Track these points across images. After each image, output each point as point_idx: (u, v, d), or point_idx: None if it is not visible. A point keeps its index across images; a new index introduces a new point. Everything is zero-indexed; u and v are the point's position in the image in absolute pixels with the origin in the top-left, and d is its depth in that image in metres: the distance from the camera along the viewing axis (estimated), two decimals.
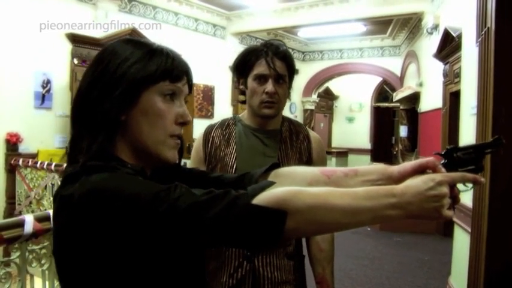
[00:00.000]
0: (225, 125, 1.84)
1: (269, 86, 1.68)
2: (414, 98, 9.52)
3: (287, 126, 1.83)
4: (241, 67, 1.75)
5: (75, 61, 6.88)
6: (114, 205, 0.81)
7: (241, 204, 0.82)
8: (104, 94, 0.94)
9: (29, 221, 2.11)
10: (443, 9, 6.92)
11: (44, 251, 2.28)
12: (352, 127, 14.31)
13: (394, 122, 13.63)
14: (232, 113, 10.10)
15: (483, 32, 3.23)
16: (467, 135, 3.73)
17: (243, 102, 1.82)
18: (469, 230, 3.49)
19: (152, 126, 0.97)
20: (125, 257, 0.86)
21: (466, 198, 3.58)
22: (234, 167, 1.71)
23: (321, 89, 13.22)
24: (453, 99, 6.35)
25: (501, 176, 3.06)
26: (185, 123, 1.02)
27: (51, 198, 5.51)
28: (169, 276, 0.94)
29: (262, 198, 0.83)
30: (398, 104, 11.80)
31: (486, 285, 3.16)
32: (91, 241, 0.84)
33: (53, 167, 5.43)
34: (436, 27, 7.21)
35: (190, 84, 1.06)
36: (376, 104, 14.10)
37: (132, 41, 1.03)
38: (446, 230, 6.48)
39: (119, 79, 0.94)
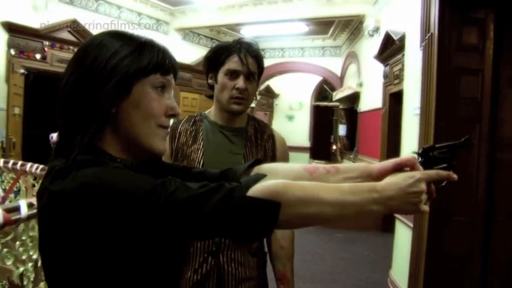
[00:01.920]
0: (191, 121, 1.84)
1: (240, 82, 1.70)
2: (354, 97, 9.78)
3: (252, 125, 1.86)
4: (213, 61, 1.76)
5: (12, 52, 6.60)
6: (109, 199, 0.81)
7: (237, 197, 0.84)
8: (94, 87, 0.93)
9: None
10: (384, 13, 7.16)
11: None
12: (292, 125, 14.50)
13: (333, 121, 13.95)
14: None
15: (427, 37, 3.39)
16: (410, 135, 3.89)
17: (210, 97, 1.83)
18: (411, 225, 3.65)
19: (144, 119, 0.97)
20: (116, 252, 0.85)
21: None
22: (201, 163, 1.71)
23: (262, 87, 13.32)
24: (392, 100, 6.59)
25: None
26: (174, 115, 1.03)
27: None
28: (151, 272, 0.94)
29: (255, 190, 0.85)
30: (337, 104, 12.10)
31: (426, 278, 3.33)
32: (84, 236, 0.83)
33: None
34: (377, 29, 7.45)
35: (176, 77, 1.07)
36: (316, 103, 14.37)
37: (119, 33, 1.02)
38: (385, 226, 6.73)
39: (110, 72, 0.93)
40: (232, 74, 1.71)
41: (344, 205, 0.90)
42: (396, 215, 4.25)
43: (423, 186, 0.95)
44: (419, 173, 0.97)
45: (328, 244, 6.37)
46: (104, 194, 0.81)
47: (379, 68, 7.04)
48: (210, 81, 1.80)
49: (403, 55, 5.44)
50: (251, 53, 1.72)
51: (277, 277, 1.85)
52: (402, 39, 5.25)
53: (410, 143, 3.88)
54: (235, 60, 1.70)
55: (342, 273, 5.07)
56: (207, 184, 0.87)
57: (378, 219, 6.92)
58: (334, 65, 11.85)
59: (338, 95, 10.97)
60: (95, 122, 0.93)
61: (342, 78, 11.53)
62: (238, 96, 1.72)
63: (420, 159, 1.06)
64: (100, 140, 0.96)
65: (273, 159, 1.82)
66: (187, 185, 0.86)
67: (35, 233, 2.67)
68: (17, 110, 6.53)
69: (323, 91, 14.47)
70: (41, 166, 4.45)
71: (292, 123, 14.50)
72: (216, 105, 1.81)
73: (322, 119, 14.32)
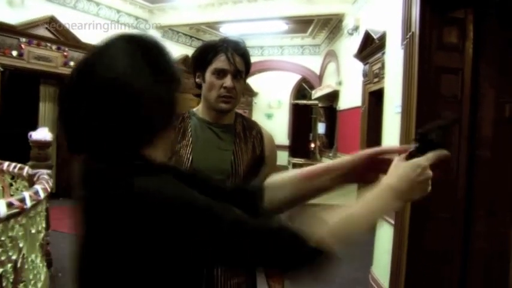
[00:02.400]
0: (179, 118, 1.83)
1: (228, 81, 1.70)
2: (333, 96, 9.86)
3: (240, 122, 1.86)
4: (200, 60, 1.75)
5: None
6: (185, 215, 0.83)
7: (305, 249, 0.89)
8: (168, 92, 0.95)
9: None
10: (364, 12, 7.23)
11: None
12: (271, 123, 14.50)
13: (312, 119, 14.03)
14: None
15: (408, 36, 3.43)
16: (391, 133, 3.94)
17: (198, 95, 1.83)
18: (392, 222, 3.69)
19: None
20: (164, 261, 0.86)
21: None
22: (190, 159, 1.71)
23: None
24: (372, 98, 6.66)
25: None
26: None
27: None
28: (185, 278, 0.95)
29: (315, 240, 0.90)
30: (316, 102, 12.18)
31: (408, 274, 3.37)
32: (139, 245, 0.83)
33: None
34: (356, 28, 7.52)
35: None
36: (295, 102, 14.43)
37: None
38: None
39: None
40: (220, 73, 1.71)
41: (374, 215, 1.00)
42: None
43: (430, 172, 1.02)
44: (424, 160, 1.02)
45: None
46: (180, 209, 0.83)
47: (359, 66, 7.10)
48: (197, 80, 1.79)
49: (383, 54, 5.49)
50: (238, 52, 1.72)
51: (266, 273, 1.85)
52: (382, 38, 5.31)
53: (391, 141, 3.92)
54: (223, 59, 1.70)
55: None
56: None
57: None
58: (313, 63, 11.92)
59: (317, 93, 11.03)
60: (155, 129, 0.93)
61: (321, 77, 11.60)
62: (226, 95, 1.72)
63: (416, 144, 1.08)
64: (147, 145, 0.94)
65: (262, 155, 1.82)
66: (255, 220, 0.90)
67: (13, 233, 2.63)
68: None
69: (302, 89, 14.54)
70: (19, 165, 4.38)
71: (271, 121, 14.51)
72: (204, 104, 1.81)
73: (301, 117, 14.38)
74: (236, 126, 1.84)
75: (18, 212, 2.56)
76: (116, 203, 0.84)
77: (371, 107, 6.72)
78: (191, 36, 11.29)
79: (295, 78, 13.74)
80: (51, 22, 7.37)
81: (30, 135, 4.73)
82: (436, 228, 3.33)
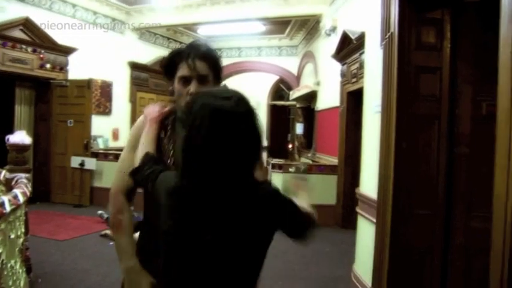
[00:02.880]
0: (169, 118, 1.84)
1: (192, 88, 1.69)
2: (311, 96, 9.92)
3: None
4: (168, 69, 1.77)
5: None
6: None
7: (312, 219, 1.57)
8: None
9: None
10: (341, 13, 7.30)
11: None
12: None
13: (290, 120, 14.09)
14: (130, 110, 9.87)
15: (387, 36, 3.48)
16: (372, 132, 3.98)
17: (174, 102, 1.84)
18: (374, 220, 3.74)
19: None
20: None
21: (371, 191, 3.84)
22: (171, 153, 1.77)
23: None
24: (350, 98, 6.72)
25: (403, 171, 3.33)
26: None
27: None
28: None
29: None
30: (294, 103, 12.23)
31: (390, 271, 3.41)
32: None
33: None
34: (334, 29, 7.58)
35: None
36: (273, 102, 14.47)
37: None
38: (344, 222, 6.87)
39: None
40: (185, 80, 1.71)
41: None
42: (359, 210, 4.34)
43: None
44: None
45: (288, 242, 6.40)
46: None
47: (336, 67, 7.17)
48: (170, 88, 1.80)
49: (361, 54, 5.58)
50: (199, 56, 1.71)
51: None
52: (360, 38, 5.37)
53: (371, 140, 3.97)
54: (185, 66, 1.70)
55: (305, 269, 5.14)
56: None
57: (337, 215, 7.05)
58: (290, 64, 11.98)
59: (295, 94, 11.08)
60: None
61: (298, 78, 11.67)
62: None
63: None
64: None
65: None
66: None
67: None
68: None
69: (279, 90, 14.57)
70: (3, 172, 4.29)
71: None
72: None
73: (279, 118, 14.43)
74: None
75: None
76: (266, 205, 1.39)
77: (349, 106, 6.79)
78: (168, 38, 11.24)
79: (273, 79, 13.77)
80: (26, 24, 7.26)
81: (8, 139, 4.65)
82: (417, 225, 3.38)
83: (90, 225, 6.71)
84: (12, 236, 3.03)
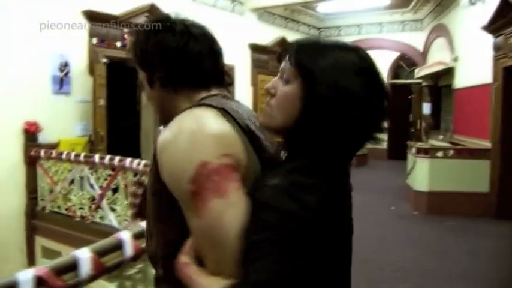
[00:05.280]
0: None
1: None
2: (442, 74, 9.09)
3: None
4: None
5: (94, 41, 6.37)
6: None
7: None
8: None
9: (127, 241, 1.66)
10: None
11: (139, 275, 1.81)
12: None
13: (412, 100, 13.21)
14: (252, 94, 9.60)
15: None
16: None
17: None
18: None
19: None
20: None
21: None
22: None
23: None
24: (507, 74, 5.91)
25: None
26: None
27: (80, 193, 5.05)
28: None
29: None
30: (418, 81, 11.38)
31: None
32: None
33: (81, 158, 4.94)
34: None
35: None
36: (393, 81, 13.60)
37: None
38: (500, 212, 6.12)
39: None
40: None
41: None
42: None
43: None
44: None
45: (445, 235, 5.73)
46: None
47: (486, 40, 6.34)
48: None
49: None
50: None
51: None
52: None
53: None
54: None
55: (473, 269, 4.50)
56: None
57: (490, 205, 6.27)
58: (415, 40, 11.07)
59: (422, 71, 10.25)
60: None
61: (425, 54, 10.76)
62: None
63: None
64: None
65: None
66: None
67: None
68: (101, 102, 6.28)
69: (397, 68, 13.67)
70: (144, 161, 4.12)
71: None
72: None
73: (399, 97, 13.53)
74: None
75: None
76: None
77: (507, 83, 5.96)
78: (286, 18, 10.81)
79: (393, 56, 12.93)
80: (152, 10, 7.14)
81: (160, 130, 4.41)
82: None
83: None
84: None
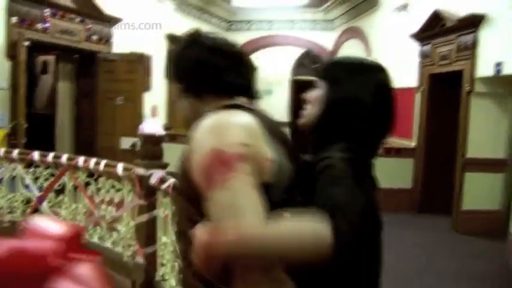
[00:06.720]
0: None
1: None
2: None
3: None
4: None
5: (13, 20, 5.73)
6: None
7: None
8: None
9: None
10: None
11: None
12: (271, 100, 14.01)
13: None
14: (168, 87, 9.28)
15: None
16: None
17: None
18: None
19: None
20: None
21: None
22: None
23: None
24: (433, 80, 6.43)
25: None
26: None
27: (10, 196, 4.50)
28: None
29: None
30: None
31: None
32: None
33: (15, 154, 4.39)
34: (405, 6, 7.12)
35: None
36: (296, 78, 13.92)
37: None
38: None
39: None
40: None
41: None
42: None
43: None
44: None
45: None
46: None
47: (407, 46, 6.88)
48: None
49: (459, 36, 5.39)
50: None
51: None
52: (466, 20, 5.13)
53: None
54: None
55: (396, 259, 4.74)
56: None
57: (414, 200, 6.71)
58: (325, 39, 11.47)
59: None
60: None
61: (334, 53, 11.13)
62: None
63: None
64: None
65: None
66: None
67: None
68: (22, 90, 5.66)
69: (301, 65, 14.02)
70: (104, 161, 3.76)
71: (271, 98, 14.00)
72: None
73: (302, 93, 13.91)
74: None
75: None
76: None
77: (432, 88, 6.44)
78: (201, 9, 10.57)
79: (298, 53, 13.25)
80: None
81: (142, 129, 4.03)
82: None
83: None
84: None
